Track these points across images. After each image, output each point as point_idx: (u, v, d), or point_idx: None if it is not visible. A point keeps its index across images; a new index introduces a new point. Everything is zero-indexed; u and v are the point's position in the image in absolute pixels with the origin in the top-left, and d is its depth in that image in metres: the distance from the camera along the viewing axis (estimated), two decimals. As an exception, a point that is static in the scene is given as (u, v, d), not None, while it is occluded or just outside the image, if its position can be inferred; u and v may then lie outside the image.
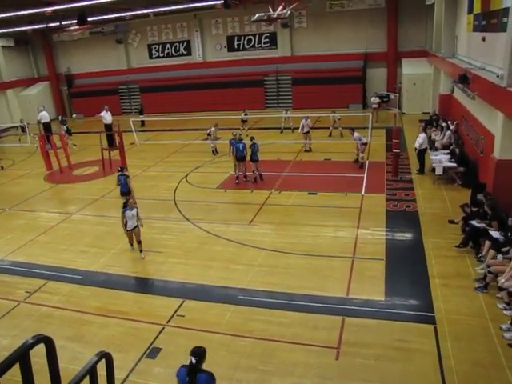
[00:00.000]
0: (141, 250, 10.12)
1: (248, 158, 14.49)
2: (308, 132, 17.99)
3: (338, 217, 11.52)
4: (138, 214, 9.95)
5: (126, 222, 9.88)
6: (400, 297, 7.85)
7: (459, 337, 6.68)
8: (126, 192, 12.09)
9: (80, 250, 10.84)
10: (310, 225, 11.17)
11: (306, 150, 18.06)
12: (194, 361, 4.56)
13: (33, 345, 2.31)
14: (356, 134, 15.39)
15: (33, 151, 21.61)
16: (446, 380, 5.88)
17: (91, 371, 2.63)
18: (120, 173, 12.21)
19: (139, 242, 10.09)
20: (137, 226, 9.97)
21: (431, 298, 7.70)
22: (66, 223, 12.69)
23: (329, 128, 20.07)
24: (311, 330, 7.14)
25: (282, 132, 21.64)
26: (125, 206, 9.91)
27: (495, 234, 8.49)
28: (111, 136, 17.97)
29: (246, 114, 21.31)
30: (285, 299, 8.04)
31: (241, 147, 14.12)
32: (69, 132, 22.65)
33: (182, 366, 4.68)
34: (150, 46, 30.91)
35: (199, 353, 4.65)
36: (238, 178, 14.66)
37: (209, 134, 18.73)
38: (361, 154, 15.46)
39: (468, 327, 6.89)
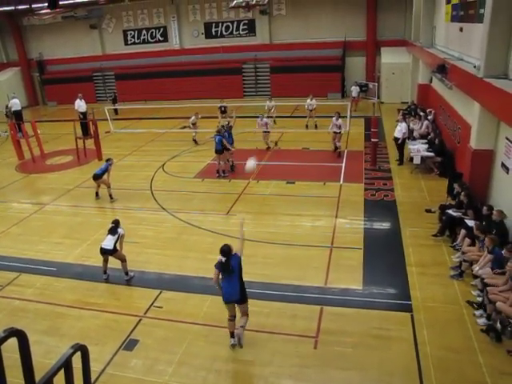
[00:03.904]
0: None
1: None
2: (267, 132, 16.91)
3: (316, 206, 11.53)
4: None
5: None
6: (378, 285, 7.93)
7: (435, 324, 6.80)
8: (99, 175, 12.48)
9: (54, 241, 10.56)
10: (288, 214, 11.15)
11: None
12: (223, 259, 6.17)
13: (4, 338, 2.20)
14: (339, 121, 15.06)
15: (3, 140, 20.90)
16: (421, 366, 5.99)
17: (66, 364, 2.55)
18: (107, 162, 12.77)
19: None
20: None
21: (408, 286, 7.81)
22: (39, 214, 12.33)
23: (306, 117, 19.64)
24: (290, 319, 7.15)
25: None
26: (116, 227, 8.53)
27: (470, 222, 8.62)
28: (85, 124, 17.53)
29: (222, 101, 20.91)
30: (263, 289, 8.01)
31: (217, 139, 13.72)
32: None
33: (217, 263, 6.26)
34: (125, 32, 30.07)
35: (227, 251, 6.22)
36: (218, 171, 14.22)
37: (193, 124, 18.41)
38: (338, 144, 15.46)
39: (443, 314, 7.02)
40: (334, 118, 15.22)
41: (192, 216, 11.35)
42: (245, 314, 6.48)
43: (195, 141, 18.31)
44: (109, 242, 8.36)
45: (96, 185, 12.85)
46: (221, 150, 13.78)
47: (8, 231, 11.31)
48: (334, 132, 15.38)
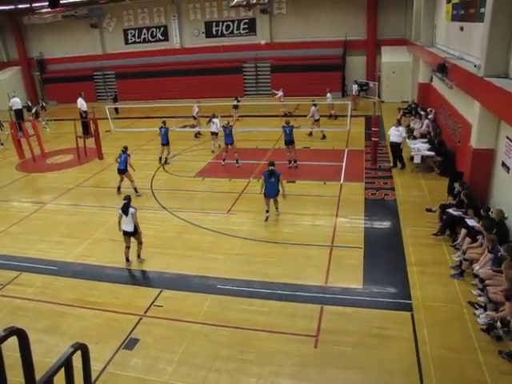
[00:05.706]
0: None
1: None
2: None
3: (316, 205, 11.52)
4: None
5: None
6: (378, 285, 7.92)
7: (435, 323, 6.79)
8: (123, 170, 12.67)
9: (54, 240, 10.57)
10: (288, 213, 11.14)
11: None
12: (272, 167, 10.20)
13: (5, 337, 2.20)
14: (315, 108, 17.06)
15: (4, 139, 20.89)
16: (421, 365, 5.98)
17: (66, 363, 2.54)
18: (122, 151, 12.75)
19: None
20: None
21: (408, 285, 7.80)
22: (40, 213, 12.34)
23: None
24: (290, 318, 7.15)
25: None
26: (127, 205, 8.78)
27: (471, 222, 8.62)
28: (86, 123, 17.53)
29: (238, 101, 21.23)
30: (263, 288, 8.02)
31: (287, 131, 14.09)
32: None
33: (266, 171, 10.35)
34: (125, 31, 30.05)
35: (273, 163, 10.30)
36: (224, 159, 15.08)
37: (194, 118, 18.87)
38: (313, 127, 17.47)
39: (443, 313, 7.01)
40: (312, 107, 17.26)
41: (192, 215, 11.35)
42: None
43: (196, 134, 18.86)
44: (129, 226, 8.75)
45: (119, 179, 13.00)
46: (292, 140, 14.16)
47: (8, 230, 11.31)
48: (315, 120, 17.43)
